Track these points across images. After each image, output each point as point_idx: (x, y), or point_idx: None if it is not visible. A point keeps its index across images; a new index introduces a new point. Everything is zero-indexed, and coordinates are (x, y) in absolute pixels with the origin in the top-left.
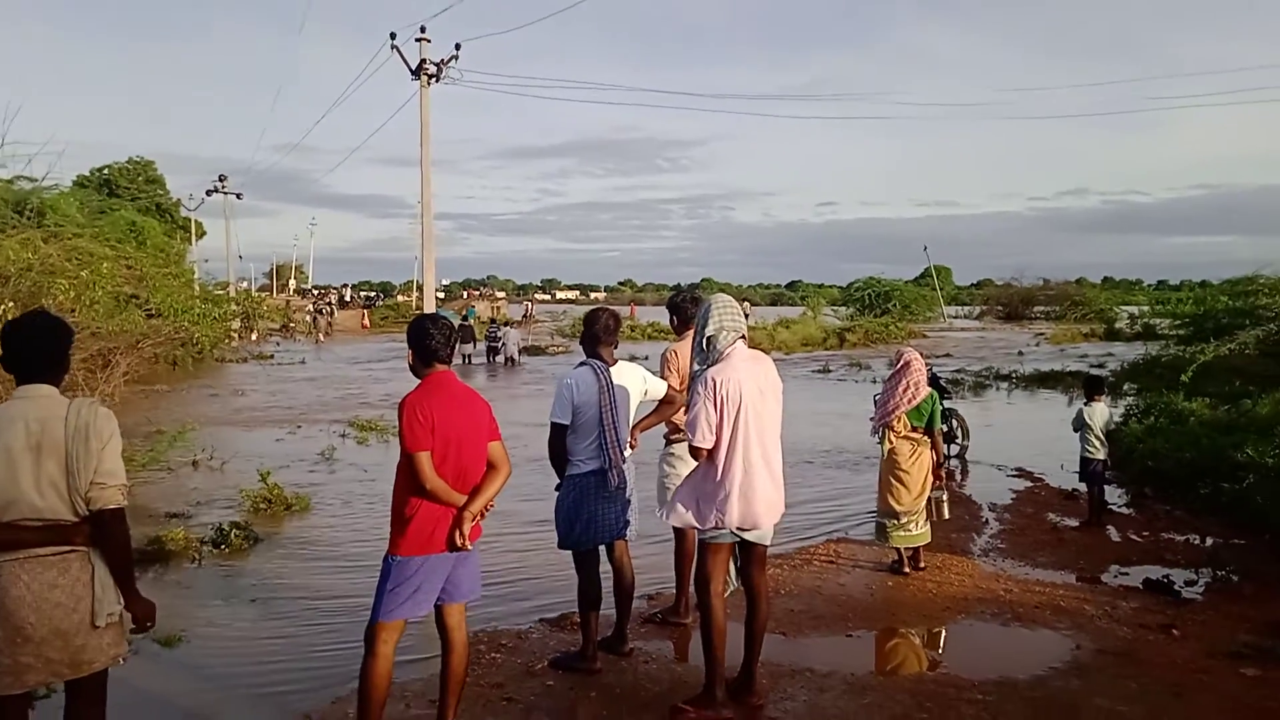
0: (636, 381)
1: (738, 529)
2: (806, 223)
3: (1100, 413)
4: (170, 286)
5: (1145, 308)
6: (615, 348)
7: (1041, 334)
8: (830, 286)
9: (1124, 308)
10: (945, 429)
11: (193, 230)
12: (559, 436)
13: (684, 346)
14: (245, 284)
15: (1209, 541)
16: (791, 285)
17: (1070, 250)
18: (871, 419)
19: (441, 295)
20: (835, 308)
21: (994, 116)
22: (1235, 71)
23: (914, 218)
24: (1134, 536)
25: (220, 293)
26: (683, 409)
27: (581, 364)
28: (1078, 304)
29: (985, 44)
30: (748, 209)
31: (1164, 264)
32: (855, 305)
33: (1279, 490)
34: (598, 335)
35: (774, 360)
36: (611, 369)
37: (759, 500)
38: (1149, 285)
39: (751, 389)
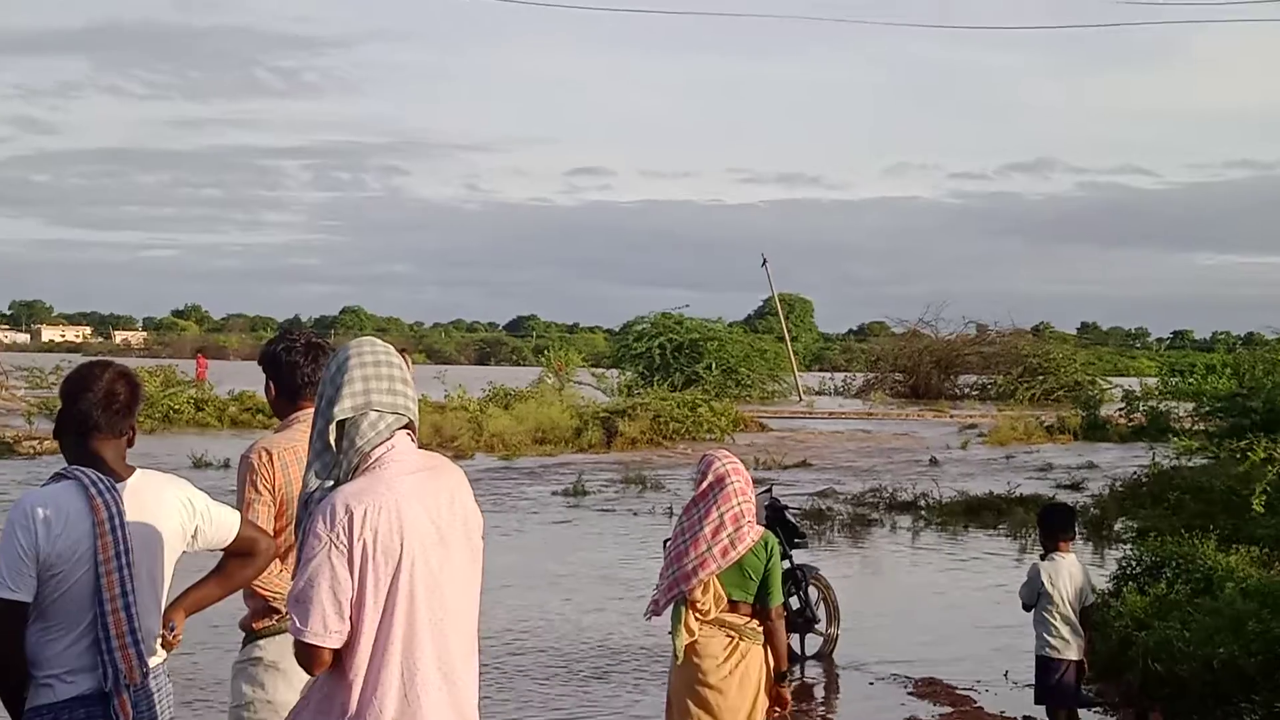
0: (176, 513)
1: None
2: (548, 204)
3: (1070, 573)
4: None
5: (1152, 380)
6: (132, 443)
7: (973, 425)
8: (591, 329)
9: (1115, 379)
10: (795, 605)
11: None
12: (11, 627)
13: (287, 442)
14: None
15: None
16: (518, 325)
17: (1024, 271)
18: (657, 586)
19: None
20: (599, 371)
21: (882, 23)
22: None
23: (745, 202)
24: None
25: None
26: (280, 569)
27: (59, 477)
28: (1037, 371)
29: None
30: (435, 173)
31: (1182, 300)
32: (637, 366)
33: None
34: (90, 417)
35: (477, 472)
36: (124, 486)
37: None
38: (1158, 340)
39: (423, 531)
